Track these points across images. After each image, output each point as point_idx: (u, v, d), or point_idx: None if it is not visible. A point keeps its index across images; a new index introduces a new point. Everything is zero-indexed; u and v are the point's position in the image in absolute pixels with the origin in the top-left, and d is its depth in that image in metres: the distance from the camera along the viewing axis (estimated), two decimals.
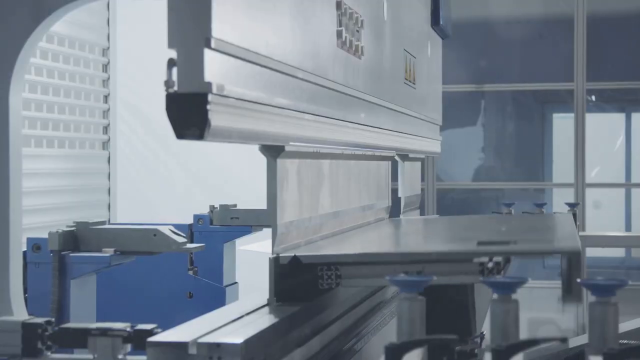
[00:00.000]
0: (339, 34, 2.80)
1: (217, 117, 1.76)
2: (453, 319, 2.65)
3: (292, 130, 2.33)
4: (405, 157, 4.59)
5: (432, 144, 5.24)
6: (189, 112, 1.72)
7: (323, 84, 2.63)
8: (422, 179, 5.66)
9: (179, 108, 1.72)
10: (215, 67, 1.77)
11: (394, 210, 4.15)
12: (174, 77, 1.72)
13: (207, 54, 1.73)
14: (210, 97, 1.73)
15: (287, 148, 2.34)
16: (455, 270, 2.31)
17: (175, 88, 1.72)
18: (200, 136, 1.74)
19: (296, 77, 2.35)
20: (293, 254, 2.32)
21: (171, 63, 1.72)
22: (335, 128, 2.80)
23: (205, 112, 1.72)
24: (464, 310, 2.67)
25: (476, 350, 2.58)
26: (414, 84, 4.39)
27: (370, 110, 3.37)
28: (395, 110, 3.88)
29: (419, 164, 5.11)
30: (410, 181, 4.80)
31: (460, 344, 2.57)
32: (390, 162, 4.01)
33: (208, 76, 1.73)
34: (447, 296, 2.65)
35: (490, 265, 2.30)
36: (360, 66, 3.13)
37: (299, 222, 2.52)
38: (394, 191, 4.23)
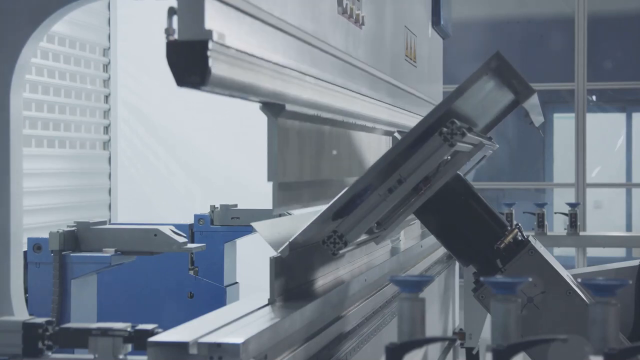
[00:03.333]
0: (340, 1, 2.80)
1: (217, 65, 1.75)
2: (485, 224, 2.69)
3: (293, 90, 2.33)
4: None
5: None
6: (189, 60, 1.72)
7: (323, 49, 2.62)
8: None
9: (179, 56, 1.72)
10: (216, 16, 1.76)
11: None
12: (175, 25, 1.72)
13: (208, 1, 1.73)
14: (210, 45, 1.72)
15: (287, 108, 2.34)
16: (426, 153, 2.36)
17: (176, 36, 1.72)
18: (200, 84, 1.73)
19: (297, 38, 2.34)
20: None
21: (171, 12, 1.72)
22: (335, 94, 2.79)
23: (206, 59, 1.72)
24: (488, 212, 2.71)
25: (519, 237, 2.65)
26: (414, 62, 4.37)
27: (371, 82, 3.35)
28: (395, 86, 3.85)
29: None
30: None
31: (502, 238, 2.63)
32: (391, 139, 3.98)
33: (209, 24, 1.72)
34: (469, 213, 2.69)
35: (445, 130, 2.33)
36: (361, 36, 3.12)
37: (299, 184, 2.51)
38: None
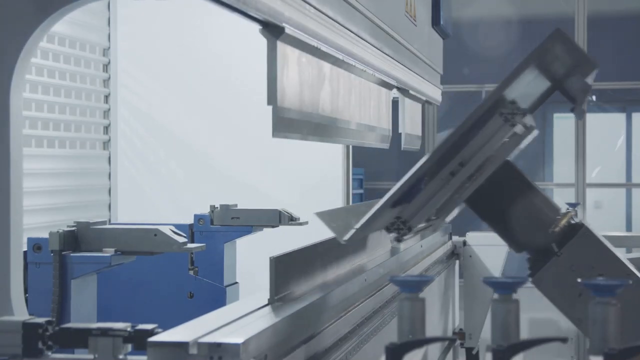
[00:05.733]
0: None
1: None
2: (537, 208, 2.65)
3: (292, 13, 2.33)
4: (405, 92, 4.54)
5: (432, 89, 5.18)
6: None
7: None
8: (423, 130, 5.65)
9: None
10: None
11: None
12: None
13: None
14: None
15: (287, 31, 2.33)
16: (487, 134, 2.36)
17: None
18: None
19: None
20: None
21: None
22: (335, 30, 2.78)
23: None
24: (539, 197, 2.67)
25: (572, 221, 2.60)
26: (415, 20, 4.35)
27: (371, 29, 3.33)
28: (394, 39, 3.83)
29: (419, 106, 5.05)
30: (411, 119, 4.71)
31: (555, 222, 2.58)
32: (391, 93, 3.96)
33: None
34: (521, 198, 2.66)
35: (505, 110, 2.31)
36: None
37: (299, 113, 2.51)
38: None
